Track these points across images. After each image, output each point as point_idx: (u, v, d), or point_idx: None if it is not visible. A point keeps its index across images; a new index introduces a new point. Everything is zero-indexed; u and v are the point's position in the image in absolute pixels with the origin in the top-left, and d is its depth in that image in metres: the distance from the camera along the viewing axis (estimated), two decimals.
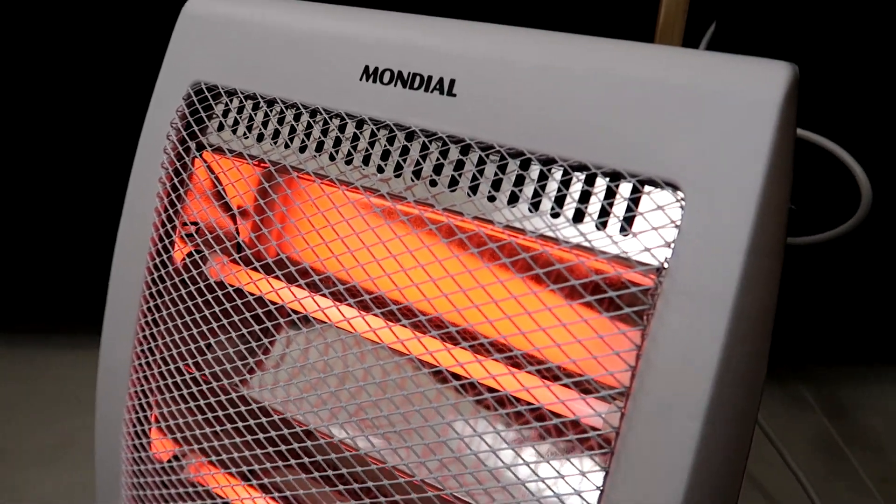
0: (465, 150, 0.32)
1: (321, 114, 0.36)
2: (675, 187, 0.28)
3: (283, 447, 0.38)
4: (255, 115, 0.38)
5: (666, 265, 0.27)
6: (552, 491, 0.29)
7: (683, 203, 0.28)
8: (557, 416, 0.30)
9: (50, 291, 0.88)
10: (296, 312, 0.37)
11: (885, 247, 0.82)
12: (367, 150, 0.35)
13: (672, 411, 0.27)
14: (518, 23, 0.33)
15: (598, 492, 0.28)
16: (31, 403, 0.77)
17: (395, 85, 0.34)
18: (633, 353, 0.28)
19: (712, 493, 0.28)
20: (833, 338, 0.88)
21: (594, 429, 0.30)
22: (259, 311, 0.38)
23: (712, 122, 0.27)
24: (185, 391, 0.42)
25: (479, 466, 0.31)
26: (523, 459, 0.29)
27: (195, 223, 0.43)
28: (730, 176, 0.27)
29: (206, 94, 0.39)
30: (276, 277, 0.40)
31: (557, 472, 0.29)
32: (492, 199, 0.32)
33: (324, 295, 0.36)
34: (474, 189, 0.32)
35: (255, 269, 0.42)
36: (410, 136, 0.34)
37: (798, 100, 0.27)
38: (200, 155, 0.41)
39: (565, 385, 0.29)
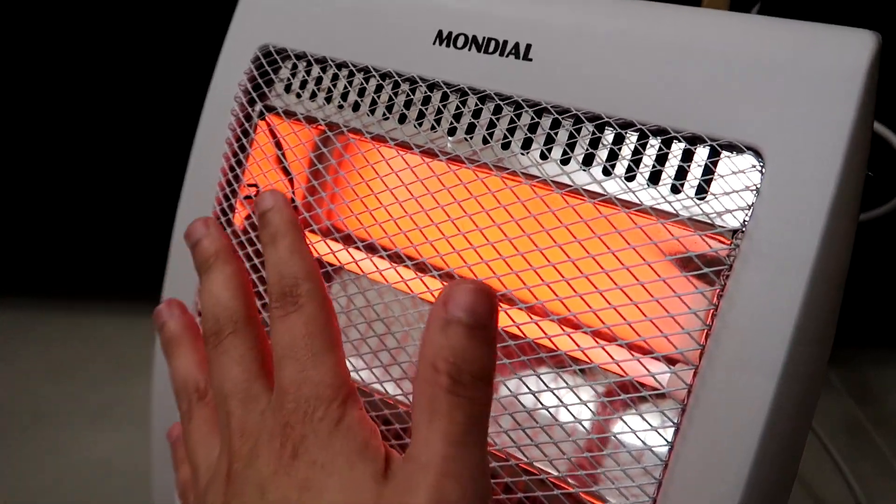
0: (539, 114, 0.33)
1: (392, 77, 0.36)
2: (756, 152, 0.28)
3: None
4: (325, 78, 0.39)
5: (744, 228, 0.28)
6: (622, 445, 0.30)
7: (763, 168, 0.28)
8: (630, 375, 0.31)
9: (96, 259, 0.89)
10: (353, 273, 0.38)
11: None
12: (438, 112, 0.35)
13: (746, 370, 0.28)
14: None
15: (669, 447, 0.29)
16: (77, 368, 0.79)
17: (470, 49, 0.34)
18: (709, 311, 0.28)
19: (781, 452, 0.29)
20: (860, 320, 0.88)
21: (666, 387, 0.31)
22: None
23: (796, 89, 0.28)
24: None
25: (550, 421, 0.31)
26: (593, 412, 0.30)
27: (254, 185, 0.44)
28: (813, 142, 0.27)
29: (276, 56, 0.40)
30: (334, 239, 0.41)
31: (629, 426, 0.30)
32: (565, 161, 0.32)
33: (381, 257, 0.37)
34: (548, 153, 0.33)
35: (312, 231, 0.43)
36: (483, 99, 0.34)
37: (880, 67, 0.28)
38: (265, 118, 0.42)
39: (640, 343, 0.30)
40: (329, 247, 0.40)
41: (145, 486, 0.58)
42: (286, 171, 0.45)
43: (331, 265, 0.41)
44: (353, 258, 0.38)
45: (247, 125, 0.41)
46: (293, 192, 0.46)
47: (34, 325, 0.84)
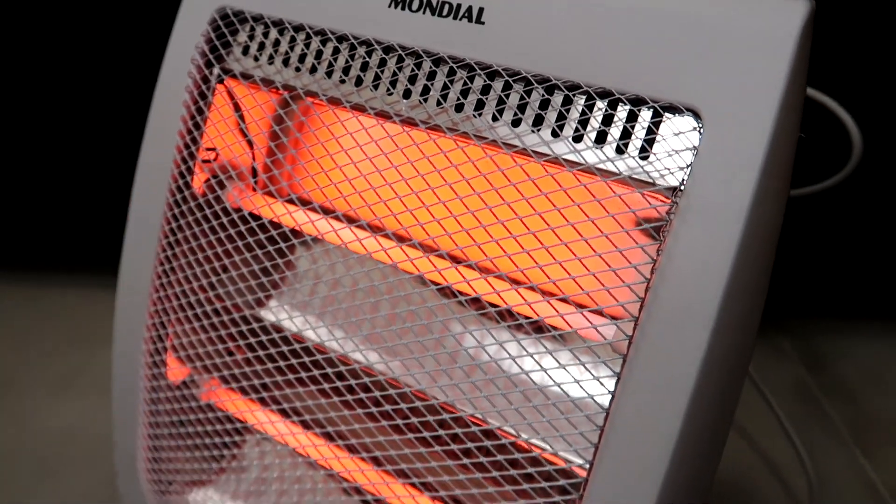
0: (491, 76, 0.34)
1: (349, 40, 0.37)
2: (694, 114, 0.29)
3: (293, 362, 0.40)
4: (282, 41, 0.39)
5: (683, 186, 0.29)
6: (567, 396, 0.32)
7: (701, 128, 0.29)
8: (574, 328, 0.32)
9: (53, 230, 0.88)
10: (309, 236, 0.38)
11: (863, 208, 0.85)
12: (393, 75, 0.36)
13: (683, 320, 0.29)
14: None
15: (610, 396, 0.31)
16: (39, 337, 0.78)
17: (424, 13, 0.35)
18: (649, 266, 0.30)
19: (716, 398, 0.30)
20: (812, 292, 0.91)
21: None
22: (273, 232, 0.39)
23: (732, 53, 0.29)
24: (200, 315, 0.43)
25: (497, 374, 0.33)
26: (541, 366, 0.31)
27: (213, 149, 0.44)
28: (747, 104, 0.29)
29: (233, 18, 0.40)
30: (290, 201, 0.41)
31: (574, 377, 0.31)
32: (516, 123, 0.33)
33: (336, 218, 0.38)
34: (499, 115, 0.33)
35: (269, 193, 0.43)
36: (437, 62, 0.35)
37: (812, 34, 0.29)
38: (223, 81, 0.42)
39: (584, 298, 0.31)
40: (286, 209, 0.41)
41: (107, 452, 0.59)
42: (244, 135, 0.45)
43: (289, 227, 0.41)
44: (310, 219, 0.39)
45: (204, 88, 0.41)
46: (253, 157, 0.46)
47: None
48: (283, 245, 0.39)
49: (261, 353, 0.41)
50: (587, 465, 0.32)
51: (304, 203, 0.40)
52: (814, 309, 0.92)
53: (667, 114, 0.30)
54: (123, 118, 0.76)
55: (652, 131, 0.31)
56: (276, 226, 0.41)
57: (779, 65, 0.28)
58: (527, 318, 0.34)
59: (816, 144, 0.61)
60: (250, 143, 0.45)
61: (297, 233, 0.43)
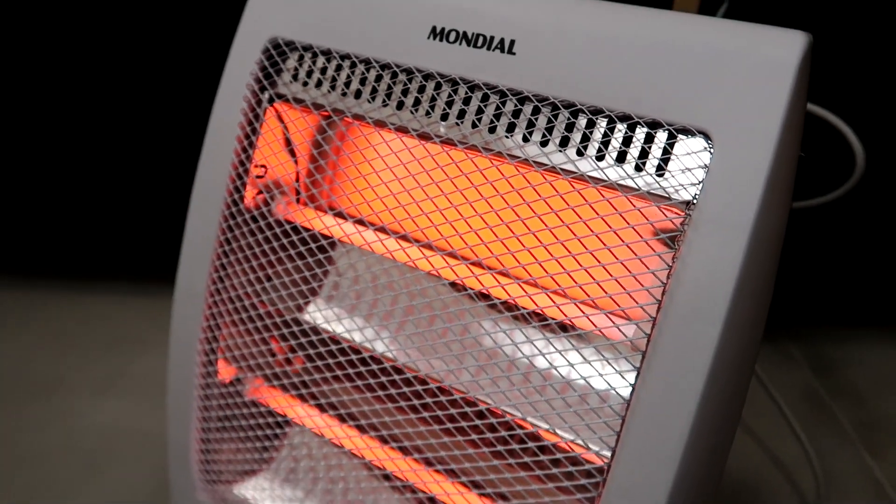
0: (521, 101, 0.38)
1: (391, 68, 0.41)
2: (705, 135, 0.33)
3: (330, 361, 0.44)
4: (329, 68, 0.43)
5: (695, 200, 0.33)
6: (592, 388, 0.35)
7: (712, 149, 0.33)
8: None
9: (90, 243, 0.93)
10: (350, 244, 0.42)
11: (867, 219, 0.88)
12: (432, 100, 0.40)
13: (696, 320, 0.33)
14: None
15: (630, 388, 0.34)
16: (80, 341, 0.83)
17: (460, 44, 0.39)
18: (665, 272, 0.33)
19: (727, 391, 0.34)
20: (820, 302, 0.94)
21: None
22: (313, 245, 0.43)
23: (739, 81, 0.33)
24: (246, 319, 0.47)
25: (529, 369, 0.36)
26: (568, 361, 0.35)
27: (263, 166, 0.48)
28: (752, 126, 0.32)
29: (284, 48, 0.44)
30: (339, 215, 0.45)
31: (598, 371, 0.35)
32: (544, 144, 0.37)
33: (377, 230, 0.42)
34: (529, 136, 0.37)
35: (318, 207, 0.47)
36: (472, 88, 0.39)
37: (811, 64, 0.33)
38: (273, 104, 0.46)
39: (608, 301, 0.35)
40: (323, 222, 0.45)
41: (149, 447, 0.63)
42: (292, 153, 0.49)
43: (328, 237, 0.45)
44: (358, 232, 0.43)
45: (258, 110, 0.45)
46: (297, 171, 0.50)
47: (38, 303, 0.88)
48: (321, 256, 0.43)
49: (300, 353, 0.45)
50: (610, 452, 0.35)
51: (345, 216, 0.44)
52: (821, 317, 0.96)
53: (680, 135, 0.34)
54: (171, 138, 0.80)
55: (667, 151, 0.34)
56: (319, 237, 0.45)
57: (780, 92, 0.32)
58: (556, 319, 0.37)
59: (822, 159, 0.64)
60: (296, 161, 0.49)
61: (334, 242, 0.47)
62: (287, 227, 0.46)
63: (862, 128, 0.61)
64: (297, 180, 0.50)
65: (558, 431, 0.37)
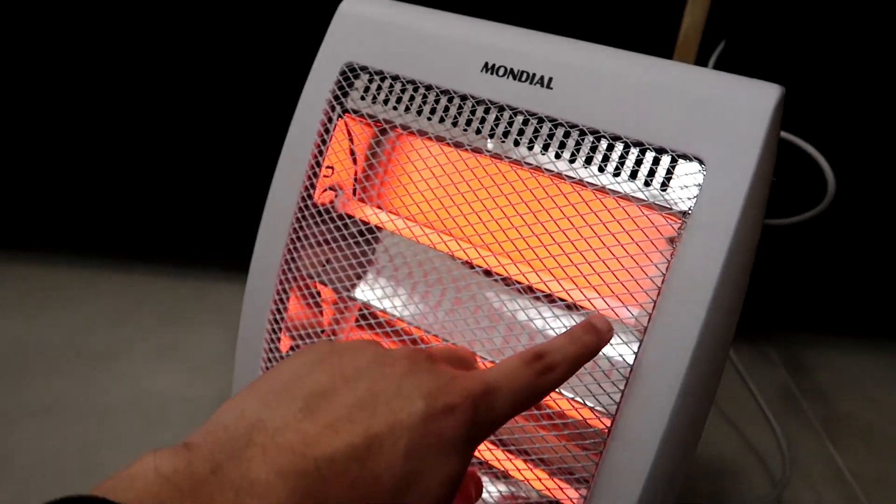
0: (555, 126, 0.47)
1: (449, 93, 0.50)
2: (700, 160, 0.43)
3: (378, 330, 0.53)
4: (394, 90, 0.53)
5: (690, 210, 0.43)
6: (603, 354, 0.45)
7: (705, 171, 0.43)
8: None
9: (140, 228, 1.01)
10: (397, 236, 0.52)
11: (839, 237, 0.98)
12: (482, 121, 0.49)
13: (687, 303, 0.42)
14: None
15: (634, 355, 0.44)
16: (135, 317, 0.92)
17: (508, 78, 0.48)
18: (665, 265, 0.43)
19: (709, 359, 0.43)
20: (795, 309, 1.04)
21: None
22: (368, 235, 0.52)
23: (727, 120, 0.42)
24: (307, 295, 0.57)
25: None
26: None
27: (330, 167, 0.58)
28: (736, 156, 0.42)
29: (359, 71, 0.54)
30: (390, 212, 0.54)
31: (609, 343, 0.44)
32: (572, 160, 0.46)
33: (422, 225, 0.51)
34: (560, 153, 0.47)
35: (377, 206, 0.56)
36: (516, 113, 0.48)
37: (783, 110, 0.43)
38: (342, 117, 0.55)
39: (620, 288, 0.44)
40: (378, 217, 0.54)
41: (200, 412, 0.72)
42: (354, 159, 0.58)
43: (380, 228, 0.55)
44: (407, 225, 0.52)
45: (331, 123, 0.55)
46: (356, 172, 0.60)
47: (96, 282, 0.97)
48: (373, 244, 0.52)
49: (353, 325, 0.55)
50: (614, 408, 0.44)
51: (393, 212, 0.54)
52: (797, 323, 1.06)
53: (681, 160, 0.44)
54: (243, 145, 0.89)
55: (670, 171, 0.44)
56: (373, 228, 0.54)
57: (758, 132, 0.42)
58: (577, 303, 0.47)
59: (798, 183, 0.74)
60: (355, 160, 0.59)
61: (383, 231, 0.57)
62: (347, 220, 0.56)
63: (834, 156, 0.71)
64: (356, 180, 0.60)
65: (574, 392, 0.47)
